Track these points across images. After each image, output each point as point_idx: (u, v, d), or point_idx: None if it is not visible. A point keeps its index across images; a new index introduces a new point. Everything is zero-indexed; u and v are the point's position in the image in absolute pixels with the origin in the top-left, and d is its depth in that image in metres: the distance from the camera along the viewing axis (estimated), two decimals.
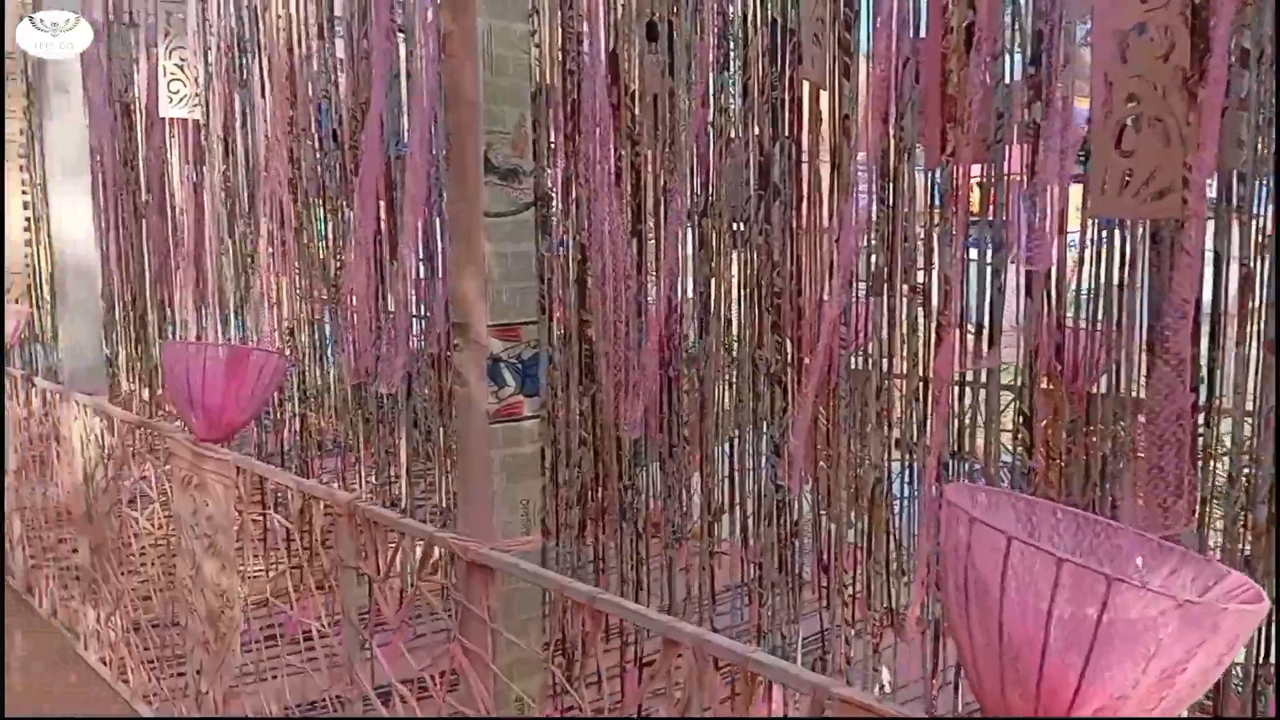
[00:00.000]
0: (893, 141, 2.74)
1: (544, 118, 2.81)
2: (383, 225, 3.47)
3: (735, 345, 2.85)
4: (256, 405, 3.18)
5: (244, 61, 4.20)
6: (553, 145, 2.83)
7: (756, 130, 2.87)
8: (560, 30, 2.79)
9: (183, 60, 4.60)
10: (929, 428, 2.78)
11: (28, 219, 4.13)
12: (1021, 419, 2.50)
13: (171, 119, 4.81)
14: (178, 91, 4.68)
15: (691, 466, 3.01)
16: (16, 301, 4.34)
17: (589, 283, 2.77)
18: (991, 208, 2.65)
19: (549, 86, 2.85)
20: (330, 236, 3.82)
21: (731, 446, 3.11)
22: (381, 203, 3.35)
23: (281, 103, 3.85)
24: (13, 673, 3.97)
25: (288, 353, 4.09)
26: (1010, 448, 2.94)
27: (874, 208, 2.73)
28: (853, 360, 2.78)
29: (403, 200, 3.15)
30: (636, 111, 2.82)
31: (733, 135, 2.91)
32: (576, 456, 2.84)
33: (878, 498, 2.56)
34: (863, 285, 2.78)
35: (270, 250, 4.03)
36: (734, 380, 2.95)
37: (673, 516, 3.07)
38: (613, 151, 2.67)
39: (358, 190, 3.39)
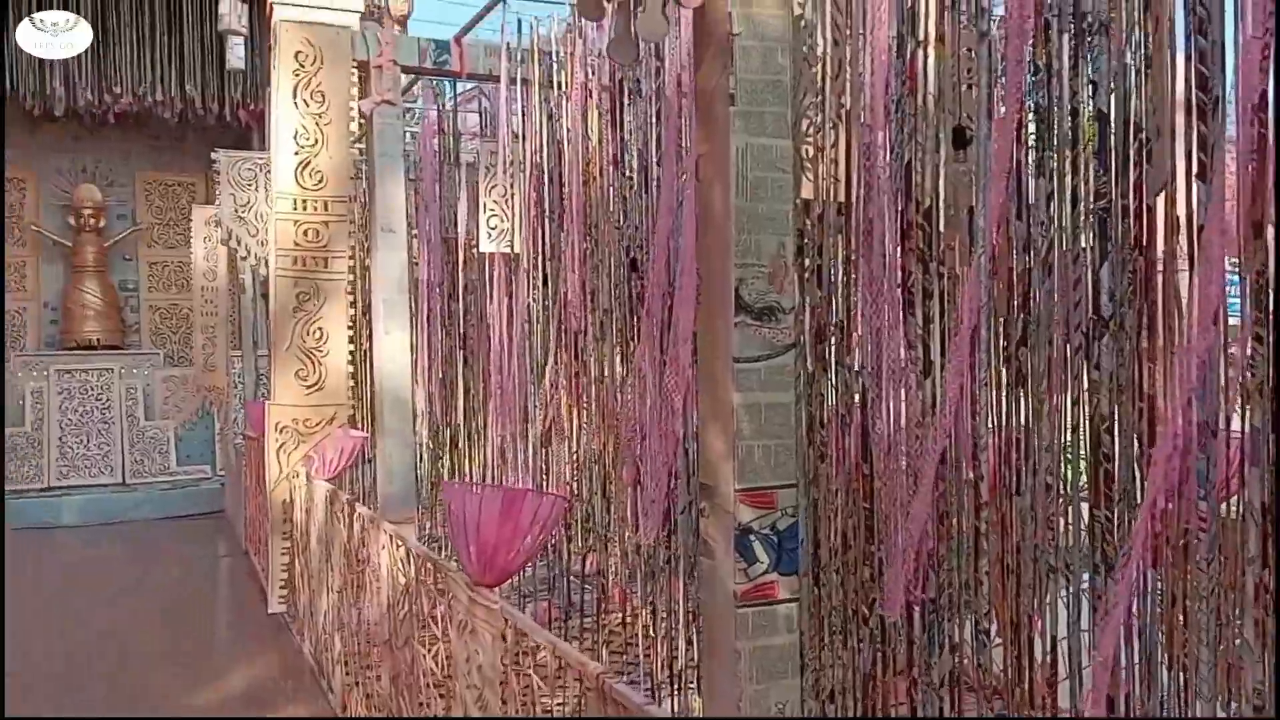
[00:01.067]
0: (1269, 252, 2.20)
1: (827, 241, 2.54)
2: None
3: (1059, 506, 2.36)
4: (531, 549, 3.07)
5: (550, 195, 4.30)
6: (836, 272, 2.54)
7: (1089, 242, 2.42)
8: (846, 142, 2.52)
9: (501, 197, 4.81)
10: None
11: (351, 351, 4.43)
12: None
13: (490, 253, 5.03)
14: (495, 227, 4.88)
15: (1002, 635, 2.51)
16: (341, 428, 4.65)
17: (871, 429, 2.42)
18: None
19: (839, 205, 2.58)
20: (621, 370, 3.73)
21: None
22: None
23: (577, 233, 3.86)
24: None
25: (579, 487, 4.02)
26: None
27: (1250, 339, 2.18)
28: (1223, 507, 2.22)
29: (676, 335, 2.98)
30: (940, 227, 2.47)
31: (1064, 247, 2.48)
32: (857, 635, 2.43)
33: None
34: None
35: (565, 382, 4.02)
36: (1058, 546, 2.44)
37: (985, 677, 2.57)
38: (906, 275, 2.34)
39: (643, 321, 3.26)
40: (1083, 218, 2.49)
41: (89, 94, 11.02)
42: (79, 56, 10.93)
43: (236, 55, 10.12)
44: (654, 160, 3.47)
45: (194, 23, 11.07)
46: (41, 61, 10.77)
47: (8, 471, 10.35)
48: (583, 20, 3.82)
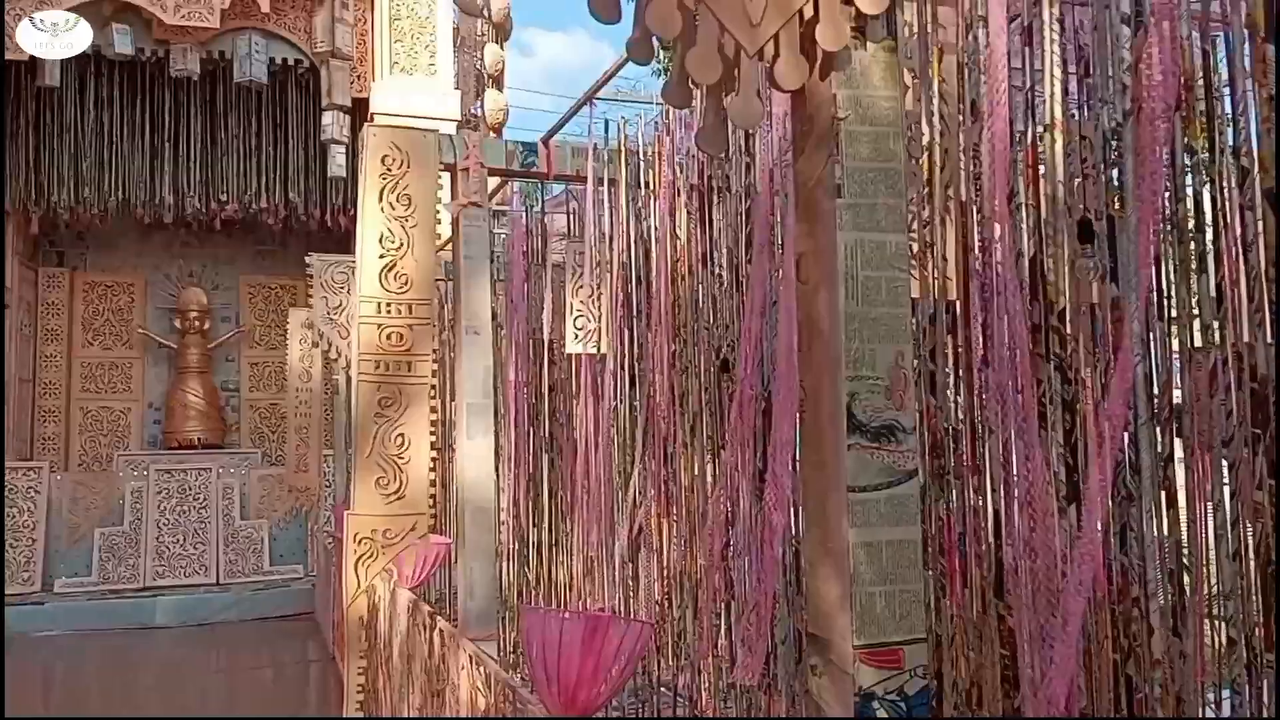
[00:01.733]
0: None
1: (945, 346, 2.27)
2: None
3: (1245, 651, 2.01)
4: (616, 683, 2.79)
5: (637, 294, 4.13)
6: (950, 377, 2.26)
7: (1240, 338, 2.12)
8: (962, 236, 2.28)
9: (588, 297, 4.65)
10: None
11: (433, 458, 4.27)
12: None
13: (577, 355, 4.85)
14: (582, 328, 4.71)
15: None
16: (421, 538, 4.46)
17: (1005, 562, 2.11)
18: None
19: (948, 304, 2.32)
20: (712, 481, 3.47)
21: None
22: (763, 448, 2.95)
23: (665, 334, 3.65)
24: None
25: (670, 606, 3.74)
26: None
27: None
28: None
29: (774, 448, 2.71)
30: (1067, 331, 2.20)
31: (1206, 343, 2.18)
32: None
33: None
34: None
35: (653, 491, 3.77)
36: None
37: None
38: (1034, 384, 2.06)
39: (732, 431, 3.01)
40: (1231, 314, 2.19)
41: (196, 202, 11.38)
42: (188, 166, 11.34)
43: (337, 164, 10.38)
44: (744, 258, 3.26)
45: (298, 133, 11.41)
46: (152, 171, 11.20)
47: (106, 571, 10.43)
48: (670, 116, 3.69)
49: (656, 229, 3.83)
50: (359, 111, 10.24)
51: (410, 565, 4.83)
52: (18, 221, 11.07)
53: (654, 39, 1.51)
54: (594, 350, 4.55)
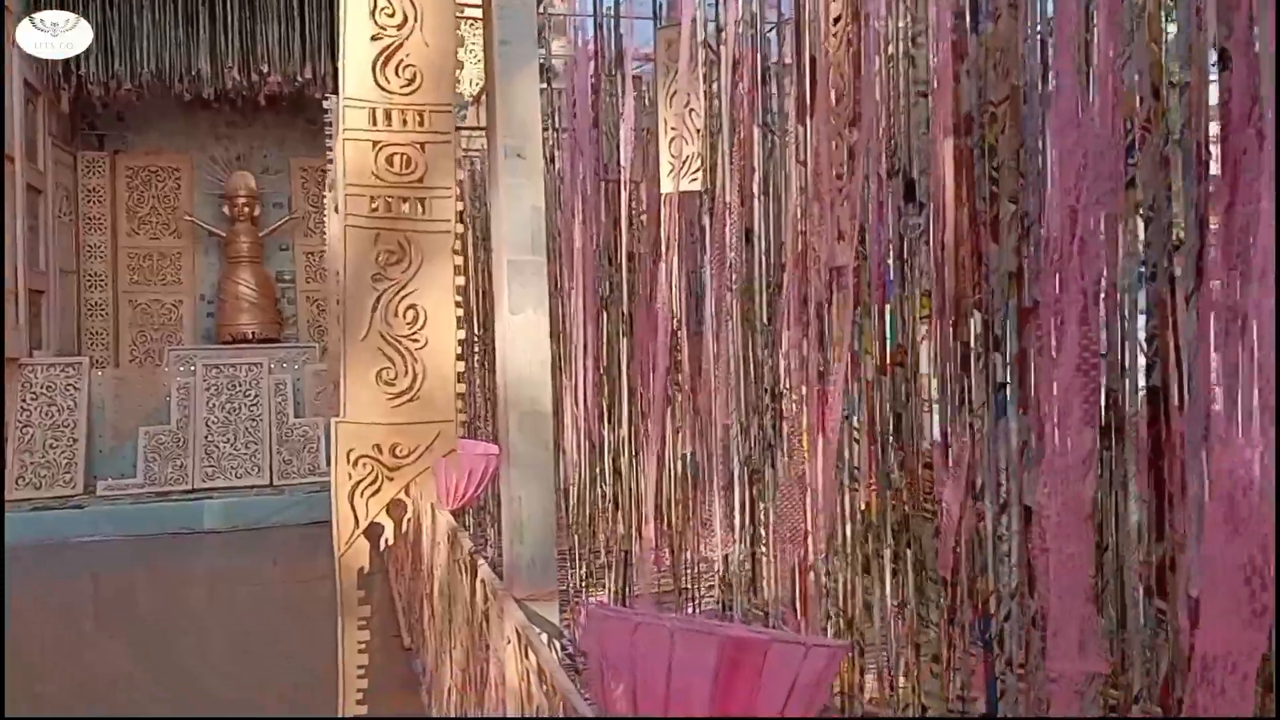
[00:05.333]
0: None
1: None
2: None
3: None
4: None
5: (773, 84, 2.55)
6: None
7: None
8: None
9: (684, 108, 3.07)
10: None
11: (461, 341, 2.77)
12: None
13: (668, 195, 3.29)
14: (679, 154, 3.14)
15: None
16: (446, 455, 3.04)
17: None
18: None
19: None
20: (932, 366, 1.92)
21: None
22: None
23: (827, 135, 2.10)
24: None
25: (819, 562, 2.24)
26: None
27: None
28: None
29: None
30: None
31: None
32: None
33: None
34: None
35: (800, 393, 2.27)
36: None
37: None
38: None
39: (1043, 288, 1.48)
40: None
41: (236, 74, 9.92)
42: (225, 34, 9.85)
43: None
44: None
45: None
46: (187, 40, 9.75)
47: (152, 472, 9.35)
48: None
49: None
50: None
51: (449, 483, 3.42)
52: (48, 100, 9.70)
53: None
54: (695, 185, 2.99)
